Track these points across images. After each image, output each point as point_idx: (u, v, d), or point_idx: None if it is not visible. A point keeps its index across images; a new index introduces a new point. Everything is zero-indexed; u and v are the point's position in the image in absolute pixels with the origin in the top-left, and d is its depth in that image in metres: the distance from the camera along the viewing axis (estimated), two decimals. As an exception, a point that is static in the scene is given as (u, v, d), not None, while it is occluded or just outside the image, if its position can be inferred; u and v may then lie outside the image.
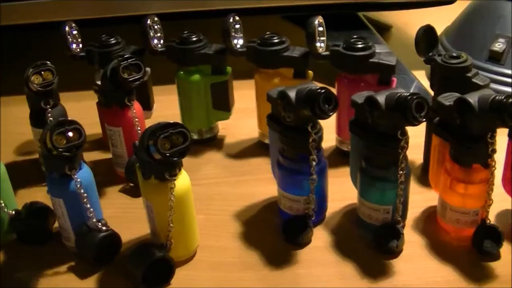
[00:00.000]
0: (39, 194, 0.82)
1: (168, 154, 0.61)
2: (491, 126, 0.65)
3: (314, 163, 0.68)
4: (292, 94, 0.66)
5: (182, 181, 0.65)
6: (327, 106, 0.64)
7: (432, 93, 0.80)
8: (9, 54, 1.31)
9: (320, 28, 0.81)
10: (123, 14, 1.06)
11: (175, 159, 0.62)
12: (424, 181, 0.81)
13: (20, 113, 0.93)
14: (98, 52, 0.87)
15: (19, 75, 0.80)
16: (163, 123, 0.62)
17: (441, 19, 1.11)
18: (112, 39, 0.87)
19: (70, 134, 0.65)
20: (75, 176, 0.67)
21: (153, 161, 0.62)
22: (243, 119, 0.96)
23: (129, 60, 0.76)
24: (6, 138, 0.93)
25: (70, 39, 0.88)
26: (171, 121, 0.62)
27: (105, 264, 0.70)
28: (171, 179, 0.64)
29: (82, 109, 0.89)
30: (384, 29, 1.33)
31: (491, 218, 0.69)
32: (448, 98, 0.69)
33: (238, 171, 0.87)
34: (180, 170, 0.65)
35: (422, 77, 1.07)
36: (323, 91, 0.64)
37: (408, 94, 0.63)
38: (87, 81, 0.93)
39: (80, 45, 0.89)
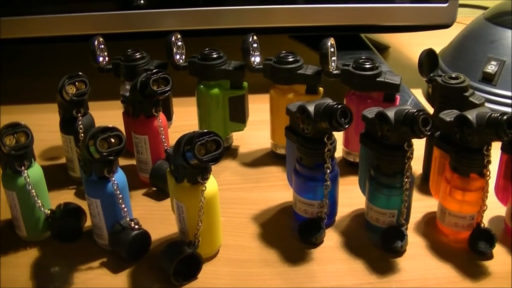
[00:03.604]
0: (67, 196, 0.87)
1: (205, 159, 0.66)
2: (487, 140, 0.71)
3: (328, 170, 0.74)
4: (311, 108, 0.72)
5: (212, 184, 0.71)
6: (343, 119, 0.71)
7: (426, 106, 0.85)
8: (28, 65, 1.37)
9: (332, 49, 0.88)
10: (145, 30, 1.13)
11: (210, 164, 0.67)
12: (423, 189, 0.87)
13: (39, 120, 0.99)
14: (124, 65, 0.93)
15: (44, 85, 0.83)
16: (199, 131, 0.67)
17: (435, 41, 1.17)
18: (137, 53, 0.93)
19: (112, 140, 0.70)
20: (113, 178, 0.72)
21: (188, 166, 0.68)
22: (256, 131, 1.01)
23: (158, 74, 0.82)
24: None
25: (98, 53, 0.94)
26: (206, 130, 0.67)
27: (136, 260, 0.74)
28: (203, 182, 0.69)
29: (106, 117, 0.92)
30: (382, 49, 1.39)
31: (485, 222, 0.75)
32: (448, 115, 0.75)
33: (253, 178, 0.92)
34: (210, 174, 0.71)
35: (417, 94, 1.14)
36: (340, 106, 0.70)
37: (415, 110, 0.69)
38: (108, 91, 0.99)
39: (107, 59, 0.95)
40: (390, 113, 0.71)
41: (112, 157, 0.70)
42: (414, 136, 0.70)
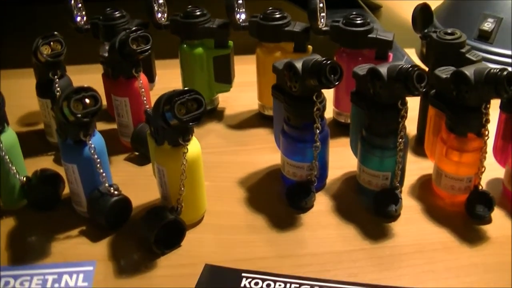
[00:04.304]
0: (45, 163, 0.83)
1: (185, 119, 0.63)
2: (485, 98, 0.68)
3: (318, 131, 0.71)
4: (298, 65, 0.69)
5: (194, 146, 0.68)
6: (333, 76, 0.67)
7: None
8: (10, 28, 1.32)
9: (321, 5, 0.84)
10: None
11: (191, 124, 0.64)
12: (418, 151, 0.84)
13: (17, 86, 0.96)
14: (103, 25, 0.89)
15: (20, 49, 0.81)
16: (179, 90, 0.63)
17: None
18: (116, 12, 0.89)
19: (87, 100, 0.66)
20: (90, 142, 0.68)
21: (168, 127, 0.64)
22: (242, 92, 0.98)
23: (138, 32, 0.78)
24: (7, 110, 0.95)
25: (75, 12, 0.90)
26: (186, 88, 0.64)
27: (116, 228, 0.71)
28: (185, 144, 0.66)
29: (86, 81, 0.90)
30: (374, 9, 1.36)
31: (483, 185, 0.72)
32: (444, 72, 0.72)
33: (239, 141, 0.89)
34: (192, 135, 0.67)
35: (411, 54, 1.11)
36: (329, 61, 0.67)
37: (409, 66, 0.66)
38: (88, 54, 0.95)
39: (85, 18, 0.91)
40: (383, 69, 0.68)
41: (87, 119, 0.67)
42: (408, 93, 0.67)
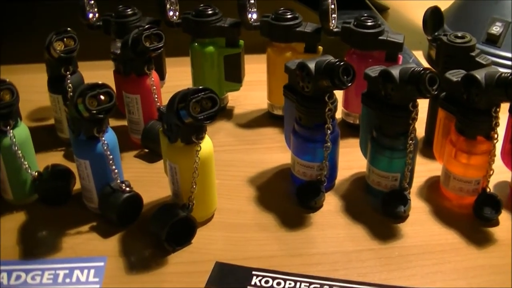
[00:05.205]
0: (55, 159, 0.84)
1: (200, 118, 0.63)
2: (495, 101, 0.68)
3: (329, 131, 0.71)
4: (311, 65, 0.69)
5: (206, 144, 0.68)
6: (345, 77, 0.68)
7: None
8: (16, 23, 1.33)
9: (332, 6, 0.84)
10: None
11: (206, 122, 0.64)
12: (426, 153, 0.84)
13: (27, 81, 0.95)
14: (115, 22, 0.89)
15: (30, 45, 0.80)
16: (193, 88, 0.64)
17: (436, 2, 1.14)
18: (129, 9, 0.89)
19: (102, 97, 0.66)
20: (103, 138, 0.69)
21: (182, 125, 0.64)
22: (252, 91, 0.98)
23: (151, 30, 0.79)
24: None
25: (88, 9, 0.91)
26: (201, 87, 0.64)
27: (127, 225, 0.72)
28: (198, 142, 0.66)
29: (97, 77, 0.90)
30: (381, 11, 1.36)
31: (491, 187, 0.73)
32: (455, 75, 0.72)
33: (249, 140, 0.90)
34: (205, 133, 0.68)
35: (418, 57, 1.11)
36: (342, 63, 0.67)
37: (421, 68, 0.66)
38: (98, 50, 0.96)
39: (97, 15, 0.92)
40: (395, 72, 0.68)
41: (101, 115, 0.67)
42: (419, 96, 0.67)
